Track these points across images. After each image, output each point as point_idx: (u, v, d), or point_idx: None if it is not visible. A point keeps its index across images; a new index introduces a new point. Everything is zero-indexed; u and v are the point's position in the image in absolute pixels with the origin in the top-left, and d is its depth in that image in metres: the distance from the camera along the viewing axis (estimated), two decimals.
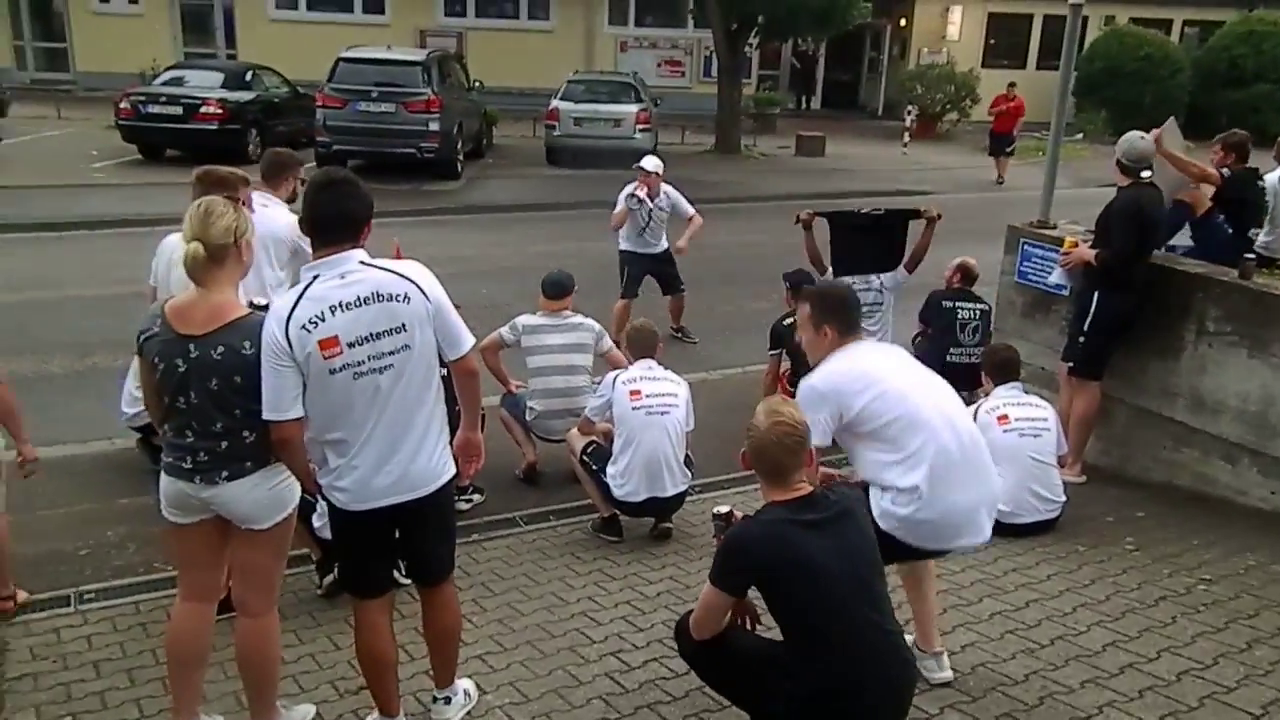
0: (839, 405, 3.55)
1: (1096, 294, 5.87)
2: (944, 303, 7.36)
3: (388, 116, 15.67)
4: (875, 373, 3.62)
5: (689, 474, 5.32)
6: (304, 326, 3.08)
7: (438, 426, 3.35)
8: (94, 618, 4.36)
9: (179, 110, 16.23)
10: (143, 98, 16.51)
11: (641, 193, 8.44)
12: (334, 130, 15.69)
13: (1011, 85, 19.17)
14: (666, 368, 5.46)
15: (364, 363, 3.13)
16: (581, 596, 4.62)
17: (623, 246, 8.74)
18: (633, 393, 5.17)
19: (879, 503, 3.56)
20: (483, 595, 4.60)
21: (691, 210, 8.83)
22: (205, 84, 17.04)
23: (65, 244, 11.75)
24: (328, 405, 3.17)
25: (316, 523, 4.33)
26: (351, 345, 3.11)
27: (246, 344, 3.13)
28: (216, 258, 3.16)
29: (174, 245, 4.86)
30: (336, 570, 4.25)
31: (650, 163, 8.63)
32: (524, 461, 6.01)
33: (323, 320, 3.09)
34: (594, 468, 5.28)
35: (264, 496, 3.27)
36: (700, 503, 5.55)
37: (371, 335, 3.13)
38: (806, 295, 3.97)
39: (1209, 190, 6.80)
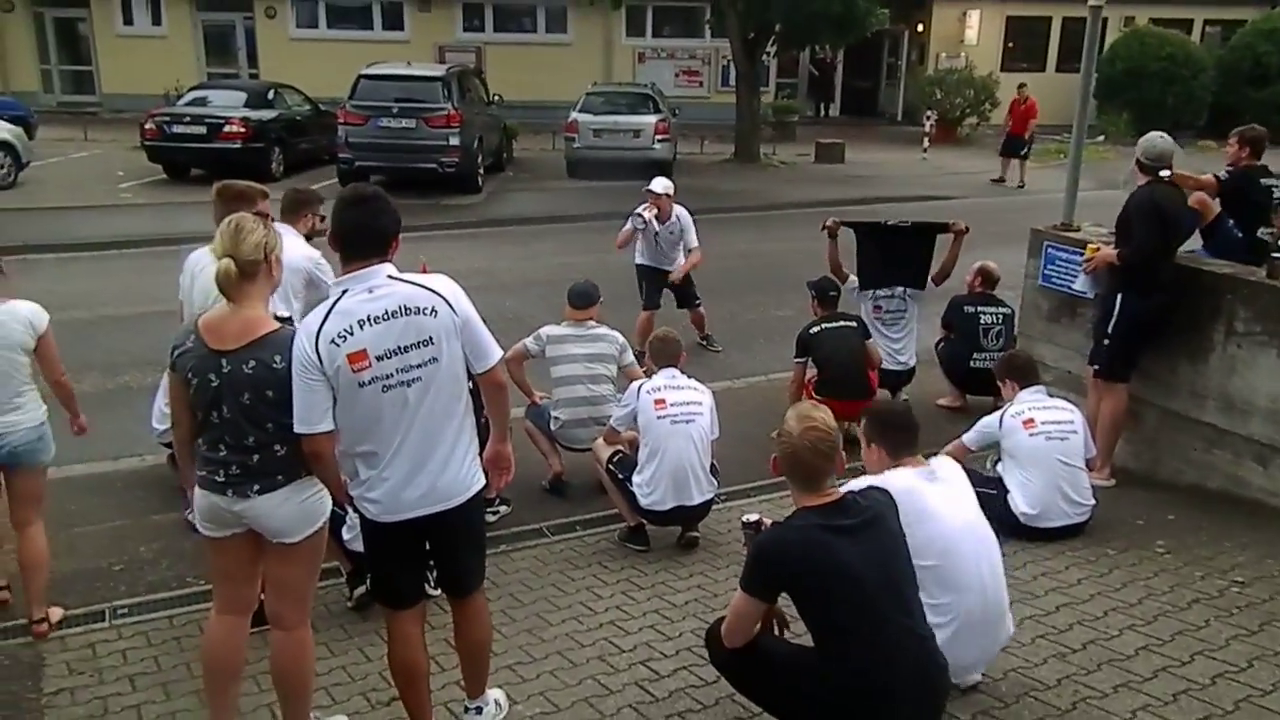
0: None
1: (1120, 296, 5.83)
2: (966, 308, 7.35)
3: (409, 132, 15.81)
4: (925, 508, 3.57)
5: (715, 482, 5.32)
6: (333, 340, 3.12)
7: (467, 439, 3.38)
8: (128, 632, 4.41)
9: (203, 130, 16.46)
10: (167, 118, 16.76)
11: (649, 214, 8.36)
12: (356, 147, 15.84)
13: (1021, 86, 19.12)
14: (690, 376, 5.47)
15: (392, 376, 3.17)
16: (610, 606, 4.63)
17: (638, 261, 8.74)
18: (657, 401, 5.19)
19: None
20: (511, 606, 4.62)
21: (695, 243, 8.67)
22: (228, 103, 17.27)
23: (95, 264, 11.91)
24: (357, 418, 3.20)
25: (346, 535, 4.37)
26: (380, 358, 3.15)
27: (277, 358, 3.18)
28: (248, 273, 3.22)
29: (197, 260, 4.94)
30: (368, 582, 4.28)
31: (659, 184, 8.47)
32: (550, 472, 6.03)
33: (351, 334, 3.13)
34: (620, 477, 5.29)
35: (295, 510, 3.31)
36: (726, 511, 5.55)
37: (400, 349, 3.17)
38: (866, 411, 4.08)
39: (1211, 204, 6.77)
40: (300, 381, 3.14)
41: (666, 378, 5.34)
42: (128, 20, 26.04)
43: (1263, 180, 6.87)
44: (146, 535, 5.34)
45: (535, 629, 4.42)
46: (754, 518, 3.50)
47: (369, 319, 3.14)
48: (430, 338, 3.20)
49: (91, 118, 23.26)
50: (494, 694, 3.75)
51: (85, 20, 26.25)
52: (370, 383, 3.15)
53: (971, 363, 7.22)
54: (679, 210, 8.62)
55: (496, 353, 3.39)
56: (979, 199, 16.80)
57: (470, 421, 3.41)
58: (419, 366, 3.20)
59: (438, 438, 3.27)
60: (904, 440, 3.80)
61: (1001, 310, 7.31)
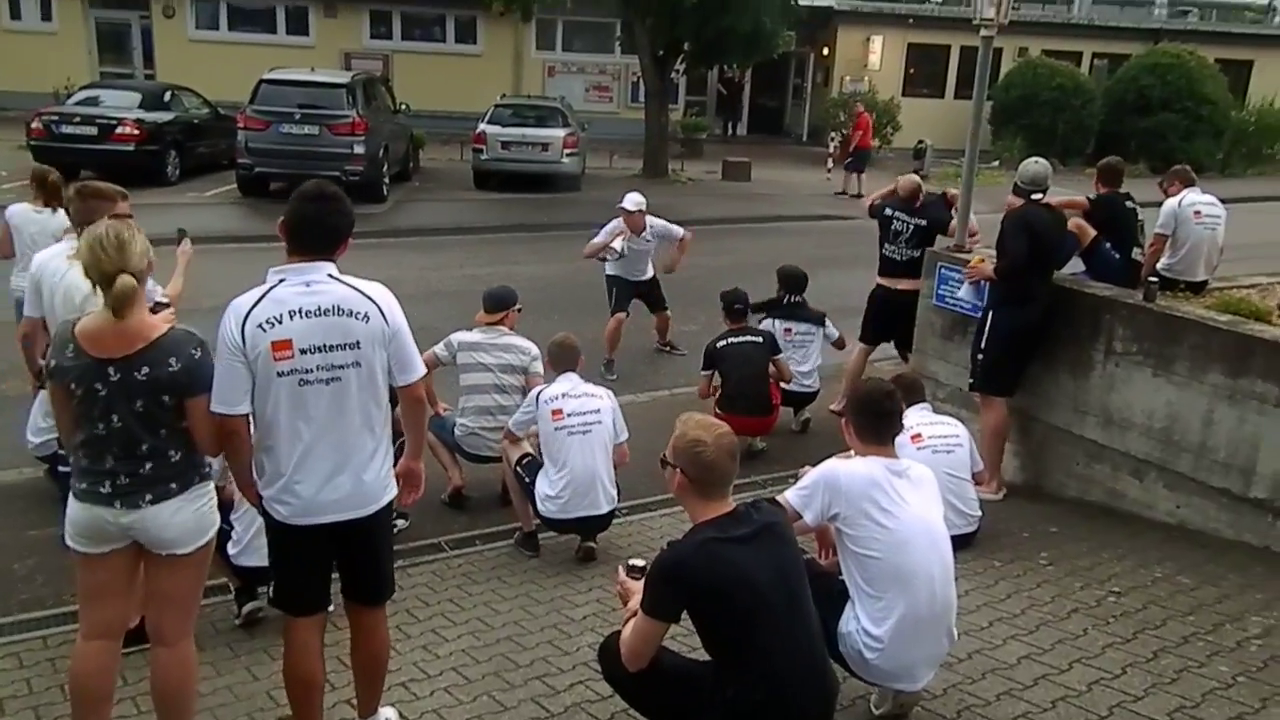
0: (833, 500, 3.56)
1: (992, 312, 6.12)
2: (886, 209, 7.63)
3: (311, 139, 15.47)
4: (882, 500, 3.56)
5: (615, 494, 5.32)
6: (260, 325, 3.12)
7: (385, 447, 3.37)
8: None
9: (94, 130, 15.83)
10: (56, 117, 16.10)
11: (619, 244, 8.55)
12: (256, 153, 15.44)
13: (858, 101, 19.79)
14: (588, 380, 5.46)
15: (312, 371, 3.16)
16: (507, 621, 4.60)
17: (609, 271, 8.87)
18: (554, 413, 5.20)
19: (846, 623, 3.62)
20: (407, 622, 4.55)
21: (680, 232, 8.99)
22: (122, 104, 16.66)
23: None
24: (270, 409, 3.18)
25: (231, 550, 4.25)
26: (304, 352, 3.15)
27: (173, 360, 3.12)
28: (142, 283, 3.16)
29: (53, 270, 4.54)
30: (271, 588, 4.14)
31: (633, 201, 8.59)
32: (450, 486, 5.96)
33: (280, 322, 3.13)
34: (527, 480, 5.30)
35: (189, 519, 3.22)
36: (628, 524, 5.56)
37: (325, 346, 3.17)
38: (851, 393, 4.17)
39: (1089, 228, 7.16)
40: (222, 362, 3.13)
41: (565, 385, 5.33)
42: (15, 14, 24.99)
43: (1127, 204, 7.42)
44: (21, 551, 5.12)
45: (431, 645, 4.36)
46: (640, 563, 3.41)
47: (300, 311, 3.15)
48: (357, 341, 3.21)
49: None
50: (386, 712, 3.69)
51: None
52: (288, 374, 3.14)
53: (883, 250, 7.58)
54: (651, 220, 8.77)
55: (420, 369, 3.43)
56: None
57: (389, 430, 3.40)
58: (341, 367, 3.20)
59: (356, 442, 3.26)
60: (872, 427, 3.75)
61: (916, 221, 7.49)
